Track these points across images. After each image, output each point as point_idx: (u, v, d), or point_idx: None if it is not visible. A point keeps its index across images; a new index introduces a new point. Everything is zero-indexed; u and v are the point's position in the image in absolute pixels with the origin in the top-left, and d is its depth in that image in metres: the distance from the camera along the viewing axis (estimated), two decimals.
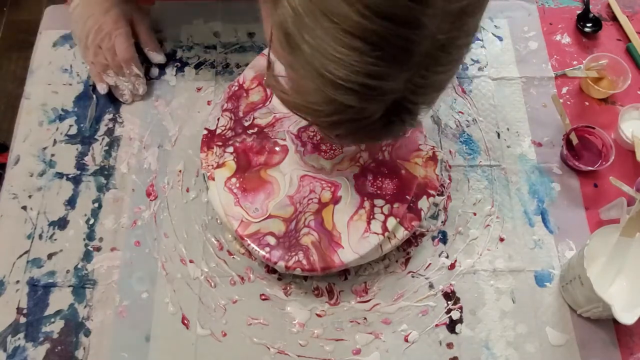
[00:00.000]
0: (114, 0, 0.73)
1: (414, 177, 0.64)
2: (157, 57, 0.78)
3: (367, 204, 0.63)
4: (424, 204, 0.64)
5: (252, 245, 0.61)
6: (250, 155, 0.67)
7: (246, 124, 0.69)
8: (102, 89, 0.75)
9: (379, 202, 0.63)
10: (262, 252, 0.60)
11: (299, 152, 0.67)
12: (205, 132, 0.70)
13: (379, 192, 0.64)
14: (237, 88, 0.71)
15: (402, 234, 0.63)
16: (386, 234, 0.61)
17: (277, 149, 0.67)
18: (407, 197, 0.63)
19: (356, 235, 0.61)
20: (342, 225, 0.62)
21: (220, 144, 0.68)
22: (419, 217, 0.64)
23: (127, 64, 0.74)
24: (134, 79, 0.75)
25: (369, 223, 0.62)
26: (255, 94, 0.71)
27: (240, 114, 0.69)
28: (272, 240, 0.61)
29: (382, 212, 0.62)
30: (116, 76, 0.74)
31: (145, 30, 0.78)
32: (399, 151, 0.66)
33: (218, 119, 0.69)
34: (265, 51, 0.73)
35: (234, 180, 0.65)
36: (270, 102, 0.70)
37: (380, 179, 0.65)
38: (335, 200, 0.63)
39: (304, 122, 0.68)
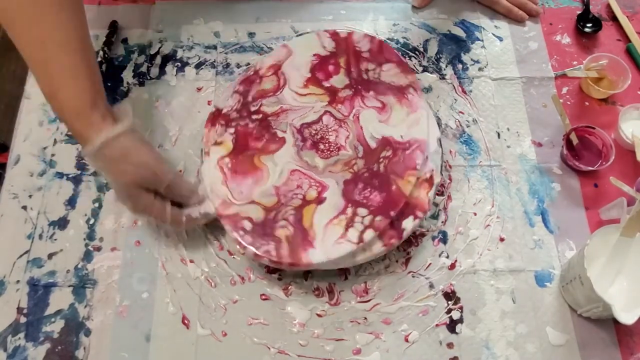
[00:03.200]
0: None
1: (402, 195, 0.63)
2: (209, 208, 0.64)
3: (349, 210, 0.62)
4: (408, 224, 0.62)
5: (227, 226, 0.61)
6: (249, 139, 0.67)
7: (253, 109, 0.69)
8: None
9: (362, 211, 0.62)
10: (235, 235, 0.60)
11: (297, 146, 0.66)
12: (214, 109, 0.71)
13: (364, 201, 0.62)
14: (252, 73, 0.72)
15: (378, 249, 0.61)
16: (361, 244, 0.60)
17: (275, 138, 0.67)
18: (392, 213, 0.61)
19: (331, 239, 0.60)
20: (320, 227, 0.61)
21: (223, 122, 0.68)
22: (400, 236, 0.62)
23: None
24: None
25: (346, 230, 0.61)
26: (268, 82, 0.71)
27: (250, 99, 0.70)
28: (247, 226, 0.61)
29: (363, 223, 0.61)
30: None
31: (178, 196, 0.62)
32: (395, 166, 0.65)
33: (228, 100, 0.70)
34: (287, 42, 0.73)
35: (227, 160, 0.65)
36: (281, 92, 0.70)
37: (369, 189, 0.63)
38: (319, 201, 0.63)
39: (309, 118, 0.68)
